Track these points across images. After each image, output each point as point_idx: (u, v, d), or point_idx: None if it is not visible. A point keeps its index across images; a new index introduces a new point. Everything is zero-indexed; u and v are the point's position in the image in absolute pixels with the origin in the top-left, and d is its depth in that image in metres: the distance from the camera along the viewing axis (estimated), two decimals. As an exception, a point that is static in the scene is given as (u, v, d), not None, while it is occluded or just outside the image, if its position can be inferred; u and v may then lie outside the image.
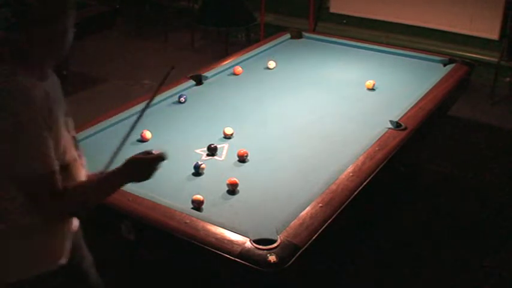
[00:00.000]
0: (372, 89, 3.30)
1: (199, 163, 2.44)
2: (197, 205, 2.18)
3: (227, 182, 2.31)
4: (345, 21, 5.77)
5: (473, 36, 5.15)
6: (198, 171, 2.43)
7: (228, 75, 3.54)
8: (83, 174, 1.73)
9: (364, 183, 2.33)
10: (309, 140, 2.76)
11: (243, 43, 5.96)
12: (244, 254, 1.88)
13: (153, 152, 1.69)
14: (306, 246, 1.94)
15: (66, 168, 1.62)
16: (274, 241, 1.93)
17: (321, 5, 5.68)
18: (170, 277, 2.47)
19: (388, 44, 4.11)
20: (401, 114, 2.90)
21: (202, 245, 1.95)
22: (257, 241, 1.93)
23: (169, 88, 3.22)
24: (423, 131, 2.95)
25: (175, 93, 3.17)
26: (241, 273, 1.90)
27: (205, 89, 3.33)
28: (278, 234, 1.97)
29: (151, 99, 1.76)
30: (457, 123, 4.48)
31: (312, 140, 2.76)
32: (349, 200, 2.22)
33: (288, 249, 1.90)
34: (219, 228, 2.01)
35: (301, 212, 2.10)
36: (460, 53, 4.92)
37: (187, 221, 2.05)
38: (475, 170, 3.91)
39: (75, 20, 1.57)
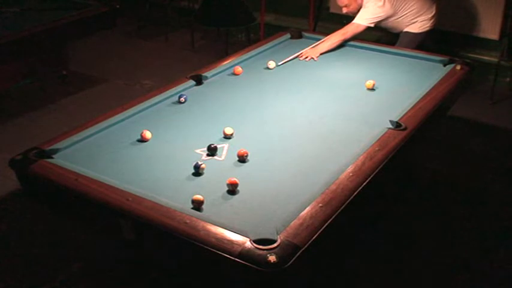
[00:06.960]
0: (372, 89, 3.30)
1: (199, 163, 2.44)
2: (197, 205, 2.18)
3: (227, 182, 2.31)
4: (345, 21, 5.74)
5: (473, 36, 5.15)
6: (198, 171, 2.43)
7: (228, 75, 3.54)
8: None
9: (364, 183, 2.34)
10: (309, 140, 2.76)
11: (243, 43, 5.95)
12: (244, 254, 1.88)
13: None
14: (306, 246, 1.94)
15: None
16: (274, 241, 1.93)
17: (321, 5, 5.67)
18: (170, 277, 2.47)
19: (388, 44, 4.11)
20: (401, 114, 2.90)
21: (202, 245, 1.95)
22: (257, 241, 1.93)
23: (169, 88, 3.22)
24: (423, 131, 2.94)
25: (175, 93, 3.17)
26: (241, 273, 1.90)
27: (205, 89, 3.33)
28: (278, 234, 1.97)
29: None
30: (457, 123, 4.48)
31: (312, 140, 2.76)
32: (349, 200, 2.22)
33: (288, 249, 1.90)
34: (219, 228, 2.01)
35: (301, 212, 2.10)
36: (460, 53, 4.93)
37: (187, 221, 2.05)
38: (475, 170, 3.91)
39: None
